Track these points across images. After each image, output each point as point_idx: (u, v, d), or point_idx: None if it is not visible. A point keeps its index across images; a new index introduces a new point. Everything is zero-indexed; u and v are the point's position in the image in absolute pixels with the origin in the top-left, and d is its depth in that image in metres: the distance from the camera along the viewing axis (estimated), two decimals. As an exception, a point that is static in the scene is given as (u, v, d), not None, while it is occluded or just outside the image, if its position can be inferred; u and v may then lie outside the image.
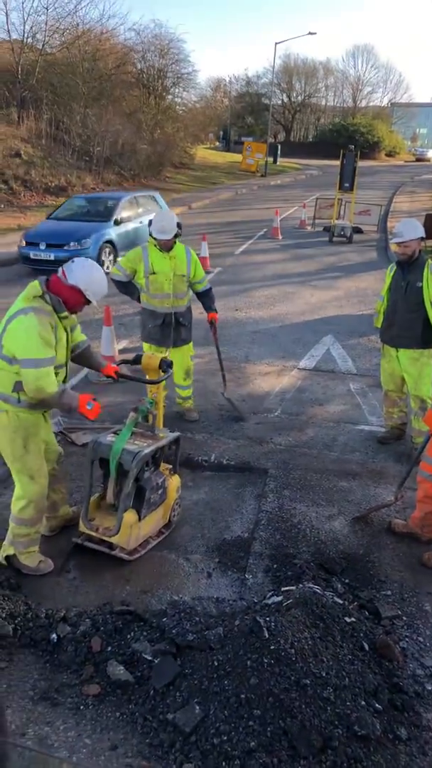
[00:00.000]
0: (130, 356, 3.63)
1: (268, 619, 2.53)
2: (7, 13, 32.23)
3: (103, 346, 6.11)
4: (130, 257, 4.63)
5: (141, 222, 11.03)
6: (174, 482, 3.54)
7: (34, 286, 2.95)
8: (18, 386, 2.91)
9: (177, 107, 33.85)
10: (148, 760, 2.17)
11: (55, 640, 2.64)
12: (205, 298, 4.87)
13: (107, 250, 10.18)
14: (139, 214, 11.28)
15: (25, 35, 22.11)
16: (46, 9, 22.72)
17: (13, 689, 2.44)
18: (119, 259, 4.54)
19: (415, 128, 69.20)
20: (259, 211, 19.56)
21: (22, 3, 26.05)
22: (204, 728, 2.20)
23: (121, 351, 6.38)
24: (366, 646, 2.55)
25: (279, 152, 40.91)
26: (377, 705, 2.31)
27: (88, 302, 3.04)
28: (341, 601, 2.77)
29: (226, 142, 46.10)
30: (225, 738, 2.16)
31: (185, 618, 2.70)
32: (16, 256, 10.39)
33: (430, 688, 2.54)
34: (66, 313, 2.99)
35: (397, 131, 60.51)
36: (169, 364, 3.50)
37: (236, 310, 8.46)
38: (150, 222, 4.62)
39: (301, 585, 2.85)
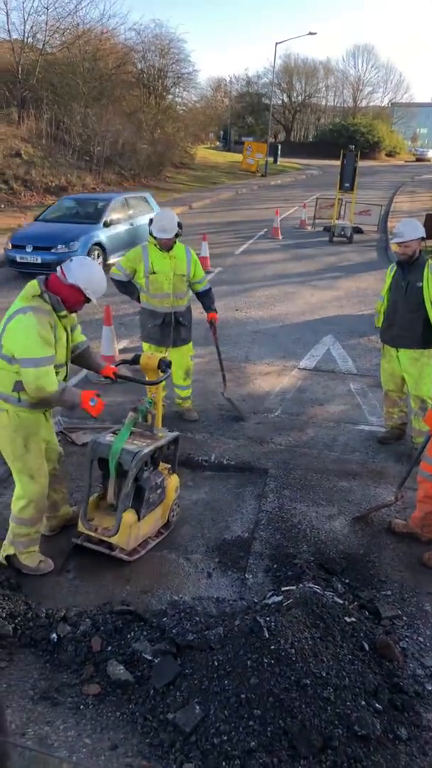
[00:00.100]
0: (129, 356, 3.63)
1: (268, 619, 2.53)
2: (7, 13, 32.20)
3: (104, 345, 6.11)
4: (130, 257, 4.63)
5: (132, 224, 10.88)
6: (173, 482, 3.54)
7: (33, 285, 2.95)
8: (18, 386, 2.90)
9: (177, 107, 33.87)
10: (148, 760, 2.17)
11: (55, 640, 2.64)
12: (205, 298, 4.87)
13: (96, 252, 9.88)
14: (130, 215, 11.04)
15: (26, 35, 22.13)
16: (47, 9, 22.75)
17: (13, 689, 2.44)
18: (119, 258, 4.54)
19: (416, 128, 69.21)
20: (259, 211, 19.56)
21: (23, 3, 26.16)
22: (204, 728, 2.20)
23: (122, 351, 6.38)
24: (366, 646, 2.55)
25: (279, 152, 40.93)
26: (377, 705, 2.31)
27: (88, 300, 3.04)
28: (341, 601, 2.77)
29: (226, 142, 46.11)
30: (225, 738, 2.16)
31: (185, 618, 2.70)
32: (2, 258, 10.12)
33: (430, 688, 2.54)
34: (65, 312, 2.99)
35: (397, 131, 60.50)
36: (168, 364, 3.49)
37: (236, 310, 8.46)
38: (150, 221, 4.61)
39: (301, 585, 2.85)
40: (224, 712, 2.23)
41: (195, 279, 4.70)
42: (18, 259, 9.49)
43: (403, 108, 63.64)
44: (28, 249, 9.44)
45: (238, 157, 37.37)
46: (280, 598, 2.76)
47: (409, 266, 4.35)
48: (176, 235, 4.50)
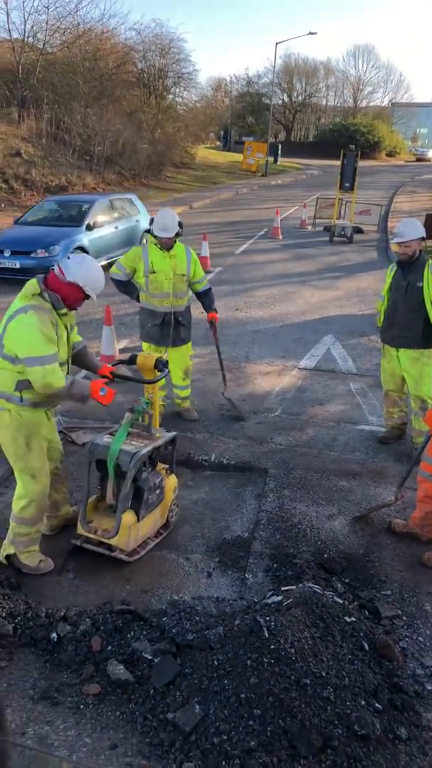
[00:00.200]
0: (126, 356, 3.62)
1: (268, 618, 2.53)
2: (7, 13, 32.10)
3: (104, 345, 6.12)
4: (130, 256, 4.63)
5: (117, 227, 10.49)
6: (171, 482, 3.54)
7: (32, 284, 2.96)
8: (20, 385, 2.91)
9: (178, 107, 33.88)
10: (148, 760, 2.17)
11: (55, 640, 2.64)
12: (205, 298, 4.87)
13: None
14: (115, 218, 10.60)
15: (26, 35, 22.16)
16: (47, 8, 22.82)
17: (13, 688, 2.44)
18: (119, 258, 4.50)
19: (416, 128, 69.20)
20: (259, 210, 19.56)
21: (23, 2, 26.23)
22: (204, 727, 2.20)
23: (122, 350, 6.38)
24: (366, 646, 2.55)
25: (279, 152, 40.92)
26: (377, 705, 2.31)
27: (87, 297, 3.05)
28: (341, 601, 2.77)
29: (226, 142, 46.10)
30: (225, 737, 2.16)
31: (185, 617, 2.70)
32: None
33: (430, 687, 2.54)
34: (65, 310, 3.00)
35: (397, 131, 60.48)
36: (165, 364, 3.49)
37: (237, 310, 8.46)
38: (152, 220, 4.60)
39: (301, 585, 2.85)
40: (224, 711, 2.24)
41: (195, 279, 4.70)
42: None
43: (403, 108, 63.63)
44: (6, 254, 9.02)
45: (238, 156, 37.36)
46: (280, 597, 2.77)
47: (409, 266, 4.35)
48: (177, 235, 4.50)
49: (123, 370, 3.40)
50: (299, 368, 6.34)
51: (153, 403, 3.48)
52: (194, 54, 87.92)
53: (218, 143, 47.23)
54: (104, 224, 10.23)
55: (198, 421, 5.02)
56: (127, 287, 4.72)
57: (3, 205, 16.27)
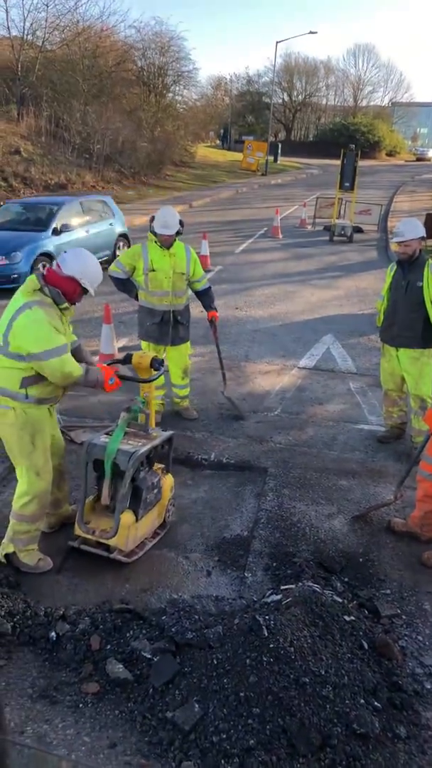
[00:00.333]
0: (121, 355, 3.62)
1: (267, 617, 2.53)
2: (7, 10, 32.31)
3: (103, 344, 6.11)
4: (130, 254, 4.62)
5: (88, 230, 9.87)
6: (168, 482, 3.53)
7: (32, 279, 2.97)
8: (26, 382, 2.91)
9: (177, 105, 33.83)
10: (147, 758, 2.17)
11: (54, 638, 2.64)
12: (205, 297, 4.86)
13: (43, 264, 8.73)
14: (86, 221, 9.98)
15: (25, 32, 22.14)
16: (46, 6, 22.79)
17: (12, 687, 2.44)
18: (119, 256, 4.43)
19: (416, 128, 69.20)
20: (259, 210, 19.55)
21: (22, 0, 26.09)
22: (203, 726, 2.20)
23: (121, 349, 6.36)
24: (365, 645, 2.55)
25: (279, 151, 40.92)
26: (376, 703, 2.31)
27: (86, 291, 3.06)
28: (340, 600, 2.77)
29: (225, 141, 46.06)
30: (224, 736, 2.16)
31: (184, 616, 2.70)
32: None
33: (429, 686, 2.54)
34: (66, 305, 3.01)
35: (397, 131, 60.50)
36: (161, 362, 3.49)
37: (236, 309, 8.45)
38: (152, 218, 4.59)
39: (300, 583, 2.85)
40: (223, 710, 2.23)
41: (194, 278, 4.70)
42: None
43: (403, 107, 63.64)
44: None
45: (238, 155, 37.35)
46: (279, 596, 2.77)
47: (409, 266, 4.35)
48: (177, 233, 4.49)
49: (126, 369, 3.39)
50: (299, 367, 6.34)
51: (149, 403, 3.47)
52: (194, 52, 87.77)
53: (218, 142, 47.18)
54: (74, 228, 9.61)
55: (197, 420, 5.01)
56: (126, 285, 4.72)
57: (2, 203, 16.23)
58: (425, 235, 4.40)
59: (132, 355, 3.51)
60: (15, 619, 2.71)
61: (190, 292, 4.78)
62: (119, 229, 10.90)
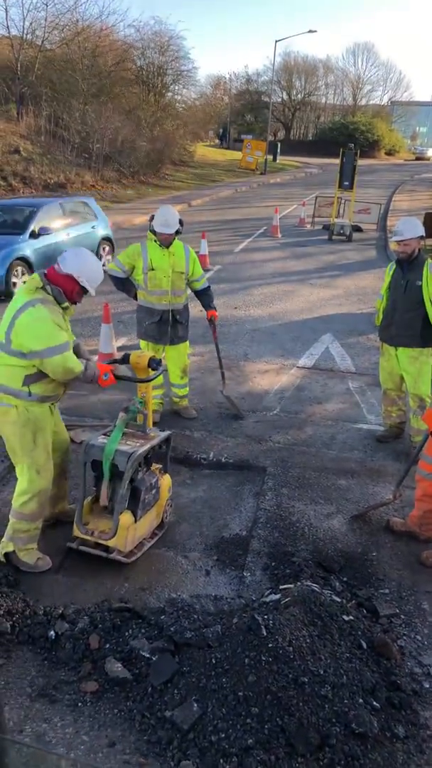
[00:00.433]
0: (119, 355, 3.62)
1: (266, 617, 2.53)
2: (6, 9, 32.31)
3: (102, 343, 6.11)
4: (129, 253, 4.62)
5: (68, 233, 9.43)
6: (166, 482, 3.52)
7: (35, 278, 2.99)
8: (28, 380, 2.92)
9: (177, 104, 33.81)
10: (145, 757, 2.17)
11: (53, 637, 2.64)
12: (204, 296, 4.86)
13: (19, 269, 8.35)
14: (67, 224, 9.56)
15: (25, 31, 22.14)
16: (46, 5, 22.79)
17: (11, 686, 2.44)
18: (117, 255, 4.38)
19: (415, 127, 69.13)
20: (258, 209, 19.54)
21: (22, -1, 26.08)
22: (202, 725, 2.21)
23: (120, 348, 6.36)
24: (364, 645, 2.55)
25: (279, 150, 40.85)
26: (375, 703, 2.31)
27: (85, 291, 3.06)
28: (339, 600, 2.77)
29: (224, 140, 46.00)
30: (223, 735, 2.16)
31: (183, 616, 2.70)
32: None
33: (427, 686, 2.55)
34: (67, 304, 3.03)
35: (397, 130, 60.45)
36: (158, 362, 3.49)
37: (235, 308, 8.45)
38: (152, 217, 4.59)
39: (299, 583, 2.85)
40: (222, 709, 2.24)
41: (193, 277, 4.69)
42: None
43: (402, 106, 63.61)
44: None
45: (237, 155, 37.32)
46: (278, 596, 2.77)
47: (408, 265, 4.35)
48: (177, 232, 4.49)
49: (125, 369, 3.40)
50: (298, 367, 6.34)
51: (147, 403, 3.47)
52: (193, 52, 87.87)
53: (217, 141, 47.15)
54: (53, 231, 9.13)
55: (196, 419, 5.01)
56: (125, 284, 4.71)
57: (1, 203, 16.21)
58: (424, 235, 4.40)
59: (129, 355, 3.51)
60: (14, 618, 2.71)
61: (189, 291, 4.78)
62: (102, 231, 10.42)
